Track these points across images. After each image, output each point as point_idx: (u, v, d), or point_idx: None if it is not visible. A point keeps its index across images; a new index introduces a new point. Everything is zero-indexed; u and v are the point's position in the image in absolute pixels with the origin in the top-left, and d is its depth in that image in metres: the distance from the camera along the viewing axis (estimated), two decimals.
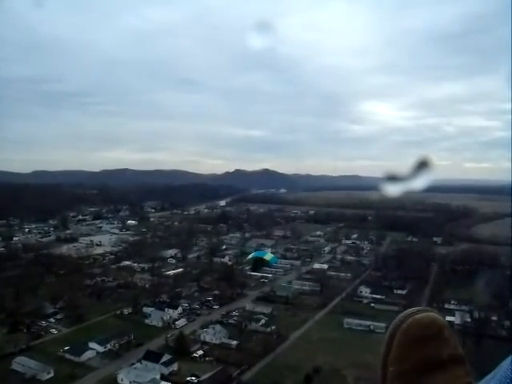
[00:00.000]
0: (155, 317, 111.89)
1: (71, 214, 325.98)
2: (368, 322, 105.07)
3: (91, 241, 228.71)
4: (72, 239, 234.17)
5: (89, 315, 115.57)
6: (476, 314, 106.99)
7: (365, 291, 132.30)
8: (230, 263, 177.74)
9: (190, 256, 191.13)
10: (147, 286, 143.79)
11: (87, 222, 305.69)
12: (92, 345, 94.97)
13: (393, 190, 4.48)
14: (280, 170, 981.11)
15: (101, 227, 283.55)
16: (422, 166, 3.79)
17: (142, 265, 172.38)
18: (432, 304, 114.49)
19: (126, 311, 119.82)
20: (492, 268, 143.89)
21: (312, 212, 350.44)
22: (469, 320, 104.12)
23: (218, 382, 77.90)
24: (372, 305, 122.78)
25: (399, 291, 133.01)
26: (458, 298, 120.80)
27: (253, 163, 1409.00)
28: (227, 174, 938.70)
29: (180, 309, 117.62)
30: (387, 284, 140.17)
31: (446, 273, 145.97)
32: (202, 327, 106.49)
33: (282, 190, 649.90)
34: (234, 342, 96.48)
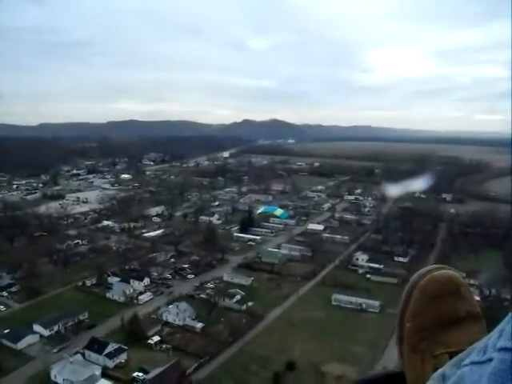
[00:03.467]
0: (117, 290, 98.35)
1: (66, 169, 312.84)
2: (360, 300, 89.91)
3: (78, 198, 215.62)
4: (59, 196, 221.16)
5: (47, 287, 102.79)
6: (486, 291, 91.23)
7: (361, 258, 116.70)
8: (218, 222, 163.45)
9: (177, 214, 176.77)
10: (121, 250, 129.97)
11: (80, 177, 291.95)
12: (36, 327, 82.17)
13: None
14: (290, 121, 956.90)
15: (92, 182, 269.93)
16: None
17: (123, 225, 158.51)
18: None
19: (89, 282, 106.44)
20: (507, 232, 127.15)
21: (317, 164, 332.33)
22: (477, 299, 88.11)
23: (168, 380, 64.07)
24: (368, 276, 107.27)
25: (400, 259, 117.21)
26: (467, 270, 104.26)
27: (262, 113, 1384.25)
28: (235, 124, 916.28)
29: (147, 280, 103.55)
30: (388, 249, 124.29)
31: (454, 237, 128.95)
32: (168, 303, 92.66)
33: (290, 141, 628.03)
34: (199, 325, 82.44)
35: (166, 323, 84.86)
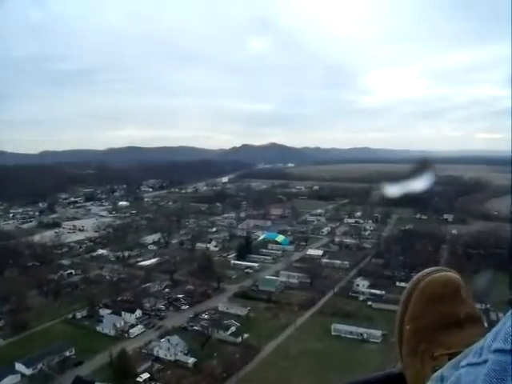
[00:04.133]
0: (108, 323, 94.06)
1: (63, 196, 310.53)
2: (361, 329, 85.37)
3: (74, 226, 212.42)
4: (55, 224, 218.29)
5: (35, 321, 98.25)
6: (493, 316, 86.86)
7: (362, 284, 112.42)
8: (215, 249, 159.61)
9: (174, 241, 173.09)
10: (115, 280, 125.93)
11: (78, 205, 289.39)
12: (18, 366, 77.79)
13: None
14: (288, 144, 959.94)
15: (90, 210, 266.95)
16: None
17: (118, 253, 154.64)
18: None
19: (79, 314, 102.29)
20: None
21: (316, 187, 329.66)
22: (485, 325, 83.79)
23: None
24: (369, 303, 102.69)
25: (402, 283, 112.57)
26: (472, 293, 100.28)
27: (261, 137, 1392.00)
28: (234, 149, 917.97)
29: (138, 312, 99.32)
30: (389, 274, 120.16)
31: (457, 258, 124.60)
32: (160, 336, 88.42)
33: (290, 165, 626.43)
34: (191, 360, 78.04)
35: (157, 358, 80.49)
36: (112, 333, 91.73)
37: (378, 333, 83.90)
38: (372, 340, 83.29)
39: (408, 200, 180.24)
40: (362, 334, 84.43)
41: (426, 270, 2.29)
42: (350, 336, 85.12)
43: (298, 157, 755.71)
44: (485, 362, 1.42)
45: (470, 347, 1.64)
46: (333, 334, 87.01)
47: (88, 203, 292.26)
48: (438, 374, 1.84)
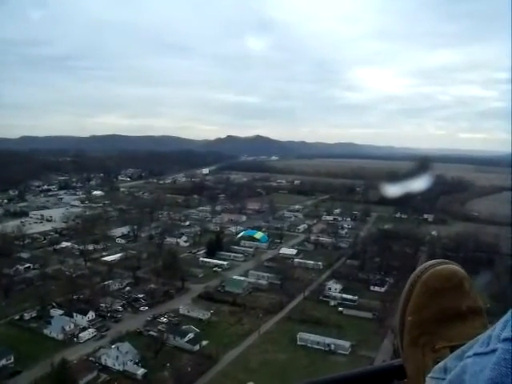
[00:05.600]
0: (56, 325, 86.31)
1: (36, 184, 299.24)
2: (328, 340, 78.84)
3: (42, 215, 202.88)
4: (22, 213, 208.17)
5: None
6: None
7: (334, 288, 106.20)
8: (186, 245, 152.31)
9: (144, 235, 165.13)
10: (74, 276, 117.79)
11: (50, 193, 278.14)
12: None
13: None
14: (273, 137, 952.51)
15: (62, 199, 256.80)
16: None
17: (83, 247, 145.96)
18: None
19: (28, 315, 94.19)
20: (491, 257, 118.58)
21: (298, 182, 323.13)
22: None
23: None
24: (340, 309, 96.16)
25: (377, 288, 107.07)
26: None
27: (246, 129, 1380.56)
28: (219, 140, 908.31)
29: (91, 314, 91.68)
30: (364, 277, 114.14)
31: None
32: (112, 342, 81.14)
33: (274, 158, 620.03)
34: (141, 371, 70.97)
35: (105, 368, 73.30)
36: (60, 337, 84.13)
37: (347, 344, 77.82)
38: (340, 352, 77.09)
39: (388, 198, 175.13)
40: (329, 345, 78.10)
41: (429, 262, 2.28)
42: (317, 346, 78.73)
43: (283, 150, 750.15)
44: (493, 351, 1.41)
45: (476, 338, 1.62)
46: (298, 343, 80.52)
47: (61, 192, 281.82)
48: (440, 365, 1.84)
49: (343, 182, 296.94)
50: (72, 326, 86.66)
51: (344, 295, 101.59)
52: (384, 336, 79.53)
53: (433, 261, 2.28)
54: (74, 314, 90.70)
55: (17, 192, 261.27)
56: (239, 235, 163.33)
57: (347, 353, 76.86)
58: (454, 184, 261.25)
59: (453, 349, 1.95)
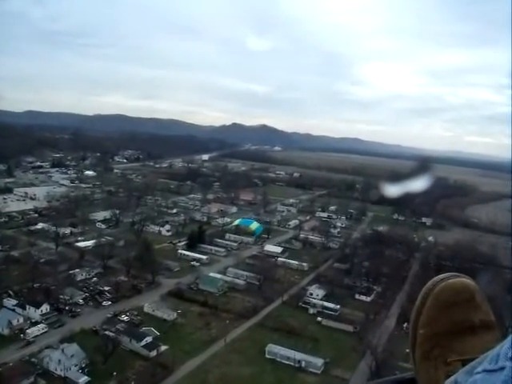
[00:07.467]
0: (3, 318, 78.20)
1: (29, 160, 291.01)
2: (299, 355, 70.30)
3: (26, 193, 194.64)
4: (7, 190, 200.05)
5: None
6: None
7: (316, 294, 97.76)
8: (167, 234, 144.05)
9: (126, 220, 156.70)
10: (41, 261, 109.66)
11: (41, 170, 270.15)
12: None
13: None
14: (279, 127, 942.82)
15: (51, 177, 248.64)
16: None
17: (60, 229, 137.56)
18: (402, 325, 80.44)
19: None
20: (487, 269, 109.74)
21: (297, 174, 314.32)
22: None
23: None
24: (319, 319, 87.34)
25: (362, 297, 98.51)
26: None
27: (253, 118, 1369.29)
28: (224, 127, 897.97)
29: (45, 307, 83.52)
30: (350, 283, 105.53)
31: (429, 272, 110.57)
32: (62, 341, 73.06)
33: (277, 148, 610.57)
34: (83, 380, 62.87)
35: (45, 372, 65.23)
36: (5, 332, 76.13)
37: (320, 362, 69.43)
38: (311, 370, 68.73)
39: (388, 198, 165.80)
40: (299, 362, 69.67)
41: (441, 276, 2.28)
42: (287, 362, 70.32)
43: (287, 141, 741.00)
44: (502, 368, 1.42)
45: (485, 354, 1.63)
46: (267, 356, 72.19)
47: (53, 170, 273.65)
48: (451, 379, 1.84)
49: (343, 177, 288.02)
50: (21, 319, 78.59)
51: (325, 303, 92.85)
52: (363, 355, 71.20)
53: (445, 274, 2.27)
54: (27, 306, 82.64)
55: (6, 167, 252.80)
56: (234, 223, 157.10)
57: (319, 372, 68.50)
58: (457, 187, 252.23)
59: (465, 362, 1.95)
